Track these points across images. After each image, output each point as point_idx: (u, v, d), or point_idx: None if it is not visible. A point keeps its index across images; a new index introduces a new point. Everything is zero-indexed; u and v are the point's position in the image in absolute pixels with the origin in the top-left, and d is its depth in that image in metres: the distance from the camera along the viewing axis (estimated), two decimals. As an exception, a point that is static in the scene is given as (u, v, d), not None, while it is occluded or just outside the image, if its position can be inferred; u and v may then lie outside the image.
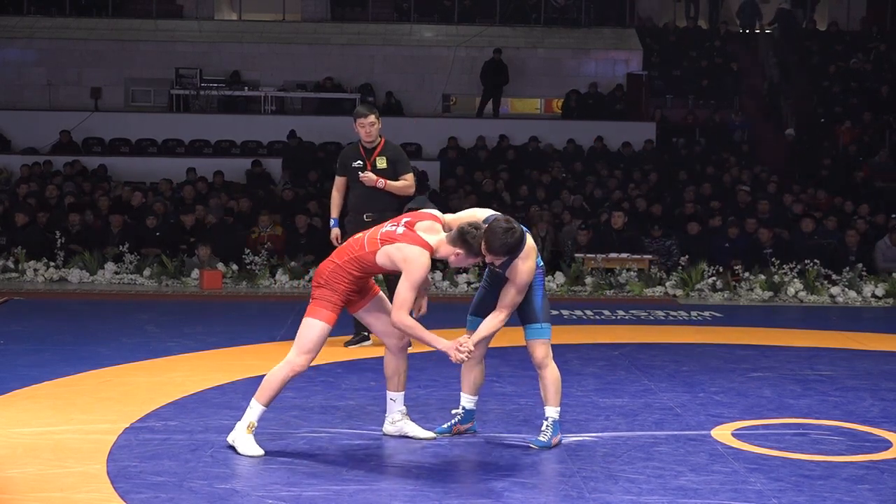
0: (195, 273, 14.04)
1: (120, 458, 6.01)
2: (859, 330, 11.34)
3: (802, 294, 13.78)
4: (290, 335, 10.22)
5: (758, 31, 25.40)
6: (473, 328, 6.34)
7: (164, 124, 21.14)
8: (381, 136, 9.45)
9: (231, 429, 6.35)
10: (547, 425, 6.29)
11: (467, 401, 6.53)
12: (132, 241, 14.66)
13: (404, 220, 6.15)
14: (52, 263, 14.38)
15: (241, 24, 24.14)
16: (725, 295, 13.83)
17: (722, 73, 23.03)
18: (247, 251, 14.35)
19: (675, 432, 6.74)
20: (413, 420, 6.58)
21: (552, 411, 6.30)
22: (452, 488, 5.53)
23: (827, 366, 9.12)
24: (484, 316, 6.32)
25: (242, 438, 6.06)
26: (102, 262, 14.35)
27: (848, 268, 14.23)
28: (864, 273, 14.14)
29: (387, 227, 6.13)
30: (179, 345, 9.63)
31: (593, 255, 14.34)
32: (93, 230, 15.33)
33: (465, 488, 5.52)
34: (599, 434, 6.58)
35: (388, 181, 9.37)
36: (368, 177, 9.34)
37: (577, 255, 14.56)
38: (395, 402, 6.48)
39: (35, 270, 14.30)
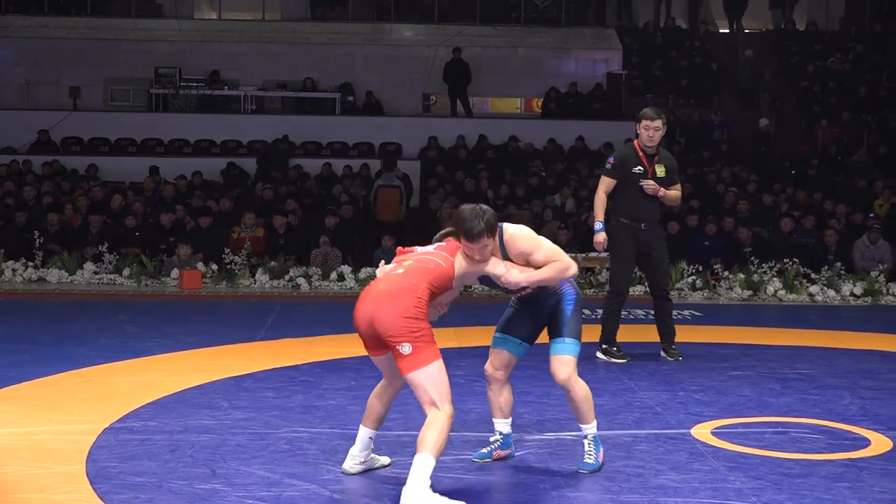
0: (175, 273, 14.01)
1: (99, 458, 5.98)
2: (838, 328, 11.39)
3: (782, 293, 13.83)
4: (270, 335, 10.27)
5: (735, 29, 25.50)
6: (500, 346, 5.96)
7: (144, 124, 21.08)
8: None
9: (208, 429, 6.32)
10: (589, 443, 5.90)
11: (502, 425, 6.08)
12: (111, 241, 14.61)
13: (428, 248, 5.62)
14: (30, 263, 14.32)
15: (220, 24, 24.07)
16: (705, 294, 13.87)
17: (701, 73, 23.10)
18: (226, 251, 14.32)
19: (656, 431, 6.76)
20: (391, 418, 6.55)
21: (590, 428, 5.90)
22: (432, 488, 5.52)
23: (806, 364, 9.15)
24: (512, 334, 5.95)
25: (427, 497, 5.09)
26: (81, 261, 14.30)
27: (826, 267, 14.29)
28: (842, 272, 14.21)
29: (421, 252, 5.58)
30: (159, 345, 9.60)
31: (574, 255, 14.34)
32: (71, 230, 15.27)
33: (441, 484, 5.52)
34: (579, 433, 6.59)
35: (666, 191, 9.07)
36: (651, 186, 8.99)
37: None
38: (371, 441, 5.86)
39: (13, 270, 14.25)
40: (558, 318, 5.84)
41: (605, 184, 9.14)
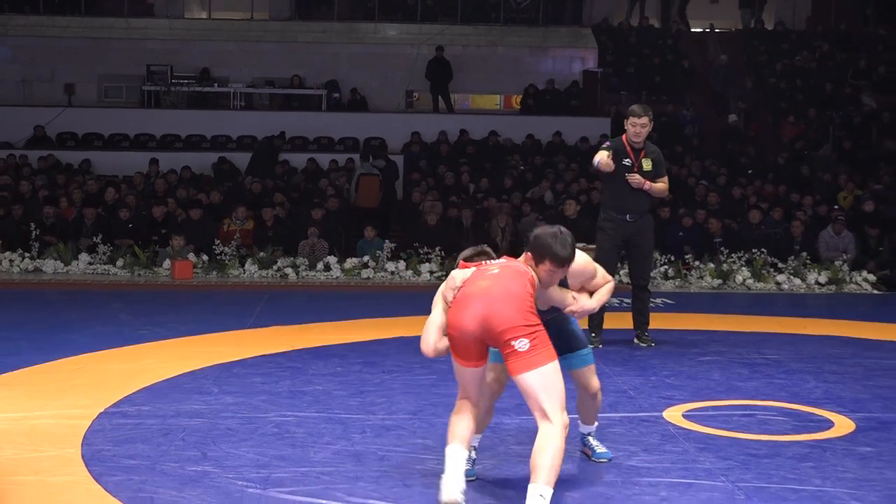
0: (167, 263, 13.98)
1: (94, 442, 5.97)
2: (804, 315, 11.44)
3: (750, 281, 13.89)
4: (259, 323, 10.27)
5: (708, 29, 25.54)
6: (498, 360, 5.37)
7: (136, 119, 21.01)
8: None
9: (200, 414, 6.31)
10: (593, 438, 5.82)
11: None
12: (105, 233, 14.59)
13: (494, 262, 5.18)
14: (27, 254, 14.29)
15: (210, 23, 23.99)
16: (677, 282, 13.92)
17: (673, 71, 23.14)
18: (217, 242, 14.31)
19: (629, 414, 6.78)
20: (376, 403, 6.55)
21: (593, 428, 5.82)
22: (415, 469, 5.54)
23: (773, 350, 9.18)
24: None
25: None
26: (76, 252, 14.27)
27: (793, 256, 14.36)
28: (808, 261, 14.28)
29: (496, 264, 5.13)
30: (151, 332, 9.58)
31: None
32: (67, 222, 15.22)
33: (427, 469, 5.53)
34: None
35: (652, 184, 9.09)
36: (637, 179, 9.02)
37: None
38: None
39: (10, 261, 14.21)
40: (568, 331, 5.52)
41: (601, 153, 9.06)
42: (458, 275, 5.10)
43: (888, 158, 19.11)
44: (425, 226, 15.17)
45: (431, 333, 5.08)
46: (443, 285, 5.20)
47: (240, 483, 5.28)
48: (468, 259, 5.32)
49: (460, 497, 4.74)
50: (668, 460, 5.73)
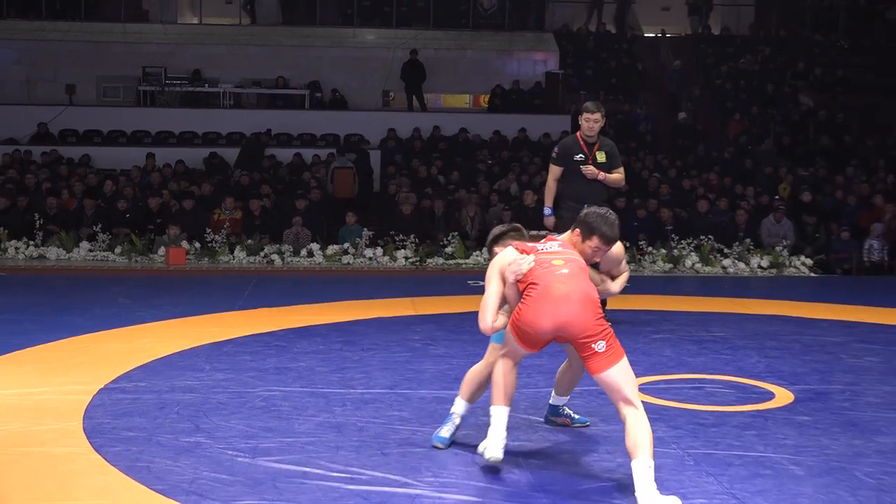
0: (162, 250, 13.91)
1: (95, 415, 5.95)
2: (747, 296, 11.50)
3: (698, 266, 13.95)
4: (248, 305, 10.23)
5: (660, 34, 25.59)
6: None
7: (133, 117, 20.85)
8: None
9: (192, 389, 6.29)
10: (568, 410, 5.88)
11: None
12: (104, 222, 14.51)
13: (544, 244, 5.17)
14: (31, 242, 14.19)
15: (201, 28, 23.83)
16: (631, 267, 13.94)
17: (628, 73, 23.17)
18: (208, 231, 14.26)
19: (588, 388, 6.75)
20: (356, 378, 6.54)
21: (565, 400, 5.83)
22: (392, 439, 5.54)
23: (719, 328, 9.23)
24: None
25: (661, 500, 4.50)
26: (77, 241, 14.17)
27: (737, 242, 14.43)
28: (751, 247, 14.35)
29: (550, 248, 5.11)
30: (148, 314, 9.53)
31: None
32: (68, 212, 15.12)
33: (403, 438, 5.53)
34: (522, 390, 6.59)
35: (607, 174, 9.04)
36: (591, 170, 8.96)
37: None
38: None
39: (16, 249, 14.10)
40: None
41: (553, 172, 9.19)
42: (525, 261, 4.98)
43: (824, 153, 19.23)
44: (400, 215, 15.14)
45: (489, 312, 5.09)
46: (497, 262, 5.12)
47: (230, 453, 5.26)
48: (501, 235, 5.37)
49: (501, 454, 4.91)
50: (623, 430, 5.74)
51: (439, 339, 8.47)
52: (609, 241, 5.07)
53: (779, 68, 23.03)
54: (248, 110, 21.58)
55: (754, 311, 10.34)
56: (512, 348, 5.07)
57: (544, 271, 4.94)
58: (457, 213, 15.59)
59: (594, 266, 5.33)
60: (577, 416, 5.87)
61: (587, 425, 5.83)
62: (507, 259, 5.08)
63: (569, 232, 5.18)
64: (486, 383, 5.40)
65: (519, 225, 5.48)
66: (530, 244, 5.17)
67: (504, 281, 5.07)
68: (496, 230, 5.44)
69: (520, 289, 5.01)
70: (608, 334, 4.80)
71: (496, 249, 5.35)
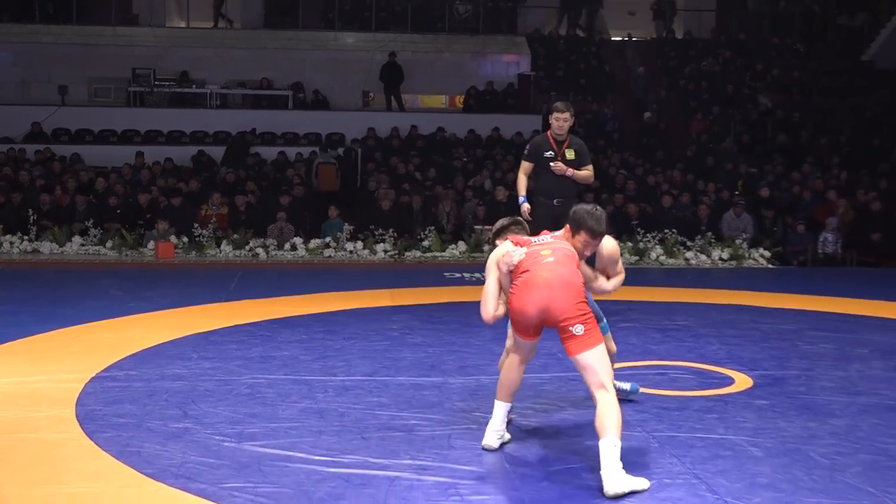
0: (151, 244, 13.84)
1: (87, 403, 5.92)
2: (709, 287, 11.54)
3: (662, 258, 13.99)
4: (234, 297, 10.20)
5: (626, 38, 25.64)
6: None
7: (123, 117, 20.71)
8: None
9: (181, 377, 6.26)
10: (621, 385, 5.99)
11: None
12: (96, 218, 14.42)
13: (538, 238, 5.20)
14: (25, 237, 14.07)
15: (189, 31, 23.70)
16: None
17: (597, 74, 23.19)
18: (195, 226, 14.20)
19: (558, 374, 6.81)
20: (337, 366, 6.51)
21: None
22: (371, 424, 5.54)
23: (682, 317, 9.27)
24: None
25: (625, 480, 4.51)
26: (70, 235, 14.07)
27: (699, 236, 14.48)
28: (712, 240, 14.40)
29: (544, 240, 5.14)
30: (138, 306, 9.48)
31: (489, 227, 14.34)
32: (61, 208, 15.02)
33: (382, 423, 5.52)
34: (494, 377, 6.61)
35: (575, 171, 9.05)
36: (559, 167, 8.99)
37: (476, 226, 14.61)
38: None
39: (11, 243, 13.99)
40: (591, 305, 5.30)
41: (523, 167, 9.28)
42: (516, 253, 5.03)
43: (781, 150, 19.32)
44: (380, 210, 15.12)
45: (490, 303, 5.13)
46: (495, 254, 5.17)
47: (217, 438, 5.25)
48: (503, 229, 5.41)
49: (497, 444, 5.09)
50: (591, 414, 5.69)
51: (416, 328, 8.47)
52: (596, 235, 5.11)
53: (738, 70, 23.12)
54: (233, 110, 21.47)
55: (715, 300, 10.38)
56: (515, 340, 5.16)
57: (532, 261, 4.99)
58: (433, 208, 15.58)
59: (590, 263, 5.38)
60: (627, 387, 6.05)
61: (637, 394, 6.07)
62: (502, 251, 5.15)
63: (563, 229, 5.24)
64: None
65: (520, 219, 5.56)
66: (526, 237, 5.24)
67: (500, 272, 5.13)
68: (499, 224, 5.53)
69: (513, 279, 5.07)
70: (587, 319, 4.82)
71: (497, 242, 5.41)
